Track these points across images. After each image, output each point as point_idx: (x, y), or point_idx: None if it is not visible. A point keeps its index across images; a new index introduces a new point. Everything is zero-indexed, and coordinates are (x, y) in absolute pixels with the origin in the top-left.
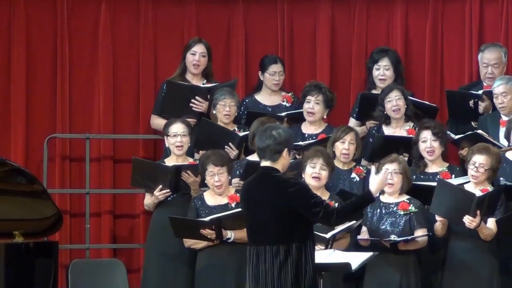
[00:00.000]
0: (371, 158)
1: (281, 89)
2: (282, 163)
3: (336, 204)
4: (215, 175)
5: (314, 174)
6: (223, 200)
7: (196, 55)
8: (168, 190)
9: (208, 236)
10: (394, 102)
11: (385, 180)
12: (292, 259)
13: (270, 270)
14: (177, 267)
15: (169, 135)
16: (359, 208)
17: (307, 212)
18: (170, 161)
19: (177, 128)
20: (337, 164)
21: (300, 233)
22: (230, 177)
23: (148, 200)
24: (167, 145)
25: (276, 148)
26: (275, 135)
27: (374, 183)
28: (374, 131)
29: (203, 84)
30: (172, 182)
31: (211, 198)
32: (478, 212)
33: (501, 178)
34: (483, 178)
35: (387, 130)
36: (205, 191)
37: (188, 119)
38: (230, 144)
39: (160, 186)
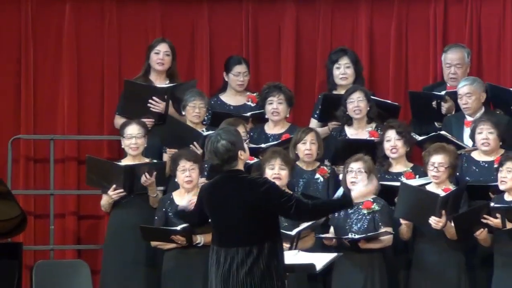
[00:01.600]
0: (334, 161)
1: (246, 89)
2: (242, 163)
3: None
4: (187, 170)
5: (274, 175)
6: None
7: (160, 53)
8: (122, 190)
9: (179, 242)
10: (356, 103)
11: (370, 191)
12: (263, 259)
13: (240, 271)
14: (136, 268)
15: (124, 137)
16: (336, 209)
17: (280, 209)
18: (126, 162)
19: (132, 129)
20: (301, 165)
21: (270, 233)
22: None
23: (104, 201)
24: (123, 146)
25: (228, 157)
26: (220, 148)
27: (357, 190)
28: (335, 133)
29: (166, 84)
30: (126, 182)
31: (179, 198)
32: (443, 212)
33: (467, 178)
34: (444, 177)
35: (349, 131)
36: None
37: (146, 119)
38: (194, 143)
39: (114, 186)
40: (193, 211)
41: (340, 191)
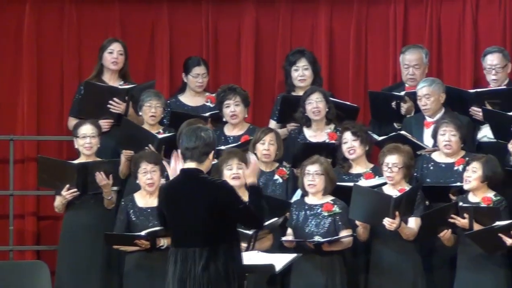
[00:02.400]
0: (294, 164)
1: (205, 90)
2: (207, 165)
3: None
4: (148, 172)
5: (233, 175)
6: (154, 202)
7: (114, 53)
8: (76, 190)
9: (143, 246)
10: (315, 104)
11: (256, 169)
12: (221, 260)
13: (197, 272)
14: (91, 270)
15: (78, 137)
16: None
17: (234, 213)
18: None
19: (86, 129)
20: (260, 165)
21: (228, 234)
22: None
23: (57, 202)
24: (76, 146)
25: (204, 149)
26: (204, 137)
27: (248, 174)
28: (294, 134)
29: (120, 85)
30: (80, 181)
31: (141, 200)
32: (397, 213)
33: (427, 180)
34: (398, 177)
35: (308, 133)
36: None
37: (105, 120)
38: (150, 145)
39: (67, 186)
40: (158, 212)
41: (298, 193)
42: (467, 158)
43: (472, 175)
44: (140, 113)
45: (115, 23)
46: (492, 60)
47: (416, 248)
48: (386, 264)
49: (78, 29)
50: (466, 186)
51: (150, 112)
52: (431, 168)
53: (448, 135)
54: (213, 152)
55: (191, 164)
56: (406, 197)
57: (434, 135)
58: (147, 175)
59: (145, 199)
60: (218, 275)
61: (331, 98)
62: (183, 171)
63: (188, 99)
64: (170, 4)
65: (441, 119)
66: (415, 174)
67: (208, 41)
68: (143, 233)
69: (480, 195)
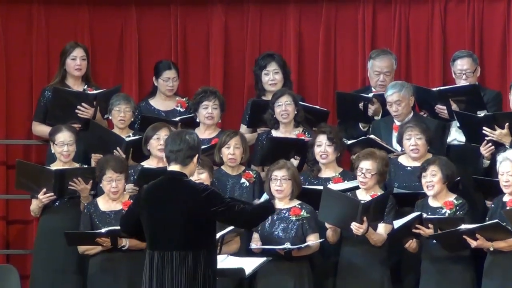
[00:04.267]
0: (262, 162)
1: (175, 94)
2: (191, 168)
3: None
4: (113, 181)
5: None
6: (117, 206)
7: (77, 59)
8: (52, 194)
9: (104, 244)
10: (284, 107)
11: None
12: (200, 265)
13: (177, 276)
14: (66, 274)
15: (56, 144)
16: (267, 215)
17: (219, 215)
18: (56, 167)
19: (64, 137)
20: (226, 169)
21: (207, 239)
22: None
23: (33, 205)
24: (53, 151)
25: (188, 152)
26: (189, 140)
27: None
28: (263, 137)
29: (84, 89)
30: (57, 186)
31: (104, 204)
32: (365, 218)
33: (395, 183)
34: (371, 183)
35: (276, 135)
36: (93, 195)
37: (73, 125)
38: (118, 148)
39: (44, 190)
40: (127, 215)
41: (264, 196)
42: (421, 165)
43: (433, 178)
44: (110, 117)
45: (84, 27)
46: (462, 65)
47: (383, 254)
48: (354, 268)
49: (47, 33)
50: (430, 193)
51: (119, 116)
52: (399, 172)
53: (414, 139)
54: (197, 156)
55: (175, 167)
56: (375, 203)
57: (400, 140)
58: (112, 183)
59: (108, 204)
60: (195, 279)
61: (301, 103)
62: (167, 173)
63: (159, 103)
64: (139, 8)
65: (405, 124)
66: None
67: (177, 45)
68: (103, 230)
69: (442, 199)
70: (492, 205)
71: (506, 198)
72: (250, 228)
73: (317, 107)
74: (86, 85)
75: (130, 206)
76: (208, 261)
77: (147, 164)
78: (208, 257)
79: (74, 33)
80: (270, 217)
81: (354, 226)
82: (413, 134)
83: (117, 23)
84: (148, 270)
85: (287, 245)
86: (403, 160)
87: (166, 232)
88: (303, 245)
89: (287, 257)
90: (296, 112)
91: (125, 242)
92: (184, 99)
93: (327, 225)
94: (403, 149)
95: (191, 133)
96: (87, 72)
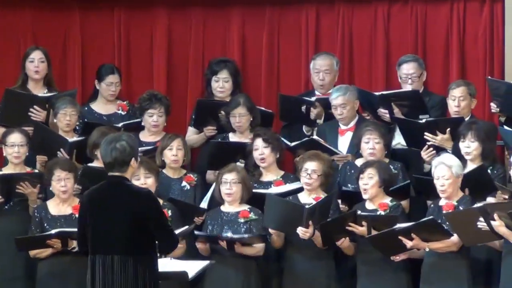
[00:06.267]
0: (209, 166)
1: (116, 98)
2: (131, 172)
3: (170, 212)
4: (62, 180)
5: (140, 185)
6: (67, 210)
7: (35, 61)
8: (0, 197)
9: (54, 246)
10: (237, 119)
11: None
12: (141, 269)
13: (119, 280)
14: (15, 278)
15: (7, 145)
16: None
17: (155, 225)
18: (8, 170)
19: (15, 138)
20: (167, 172)
21: (147, 245)
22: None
23: None
24: (4, 154)
25: (123, 159)
26: (119, 148)
27: None
28: (221, 139)
29: (44, 93)
30: (4, 190)
31: (54, 208)
32: (310, 222)
33: (349, 185)
34: (316, 184)
35: (233, 138)
36: (43, 198)
37: (26, 128)
38: (61, 150)
39: None
40: (80, 233)
41: (206, 198)
42: (359, 167)
43: (369, 181)
44: (55, 120)
45: (27, 31)
46: (408, 69)
47: (329, 256)
48: (299, 271)
49: None
50: (365, 196)
51: (65, 119)
52: (354, 174)
53: (372, 143)
54: (133, 158)
55: (115, 173)
56: (320, 207)
57: (358, 143)
58: (61, 182)
59: (58, 207)
60: (137, 283)
61: None
62: (108, 177)
63: (100, 106)
64: (82, 12)
65: (365, 126)
66: (338, 179)
67: (120, 48)
68: (53, 231)
69: (377, 202)
70: (431, 206)
71: (442, 202)
72: (166, 252)
73: (262, 108)
74: (46, 89)
75: (79, 220)
76: (150, 265)
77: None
78: (150, 261)
79: (17, 36)
80: (219, 220)
81: (301, 231)
82: (372, 138)
83: (61, 27)
84: (90, 274)
85: (230, 235)
86: (359, 163)
87: (107, 236)
88: (245, 236)
89: (230, 248)
90: (251, 119)
91: (76, 244)
92: (125, 102)
93: (271, 230)
94: (349, 152)
95: (121, 139)
96: (48, 76)
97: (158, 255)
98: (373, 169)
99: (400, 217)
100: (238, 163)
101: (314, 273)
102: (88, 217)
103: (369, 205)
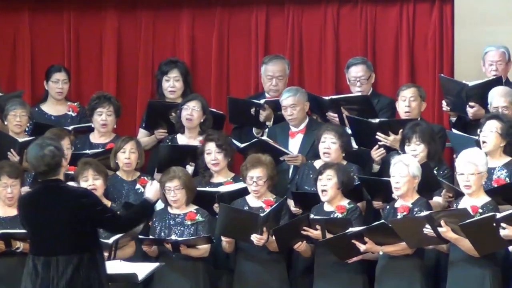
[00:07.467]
0: (159, 169)
1: (66, 99)
2: (63, 171)
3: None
4: (8, 186)
5: (89, 186)
6: (13, 212)
7: None
8: None
9: None
10: (190, 111)
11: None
12: (83, 270)
13: (60, 281)
14: None
15: None
16: (143, 215)
17: (96, 220)
18: None
19: None
20: (121, 175)
21: (89, 243)
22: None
23: None
24: None
25: (53, 164)
26: (49, 154)
27: (150, 191)
28: (165, 141)
29: None
30: None
31: (0, 209)
32: (265, 229)
33: (305, 187)
34: (263, 190)
35: (180, 139)
36: None
37: None
38: (12, 150)
39: None
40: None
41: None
42: (318, 169)
43: (328, 183)
44: (5, 122)
45: None
46: (356, 72)
47: (281, 259)
48: (250, 275)
49: None
50: (324, 198)
51: (15, 121)
52: (311, 175)
53: (328, 143)
54: (63, 159)
55: (50, 177)
56: (273, 213)
57: (317, 143)
58: (7, 189)
59: (4, 209)
60: (81, 283)
61: None
62: (42, 181)
63: (50, 107)
64: (31, 13)
65: (323, 126)
66: (295, 181)
67: (69, 49)
68: None
69: (335, 204)
70: (387, 207)
71: (397, 204)
72: (125, 231)
73: (214, 110)
74: None
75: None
76: (93, 265)
77: None
78: (94, 260)
79: None
80: (166, 222)
81: (255, 238)
82: (328, 138)
83: (10, 28)
84: (31, 275)
85: (174, 237)
86: (318, 164)
87: (48, 237)
88: (190, 238)
89: (175, 250)
90: (202, 120)
91: (20, 245)
92: (75, 103)
93: (223, 238)
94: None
95: (46, 144)
96: None
97: (107, 255)
98: (332, 171)
99: (357, 219)
100: (188, 166)
101: (266, 277)
102: (23, 222)
103: (327, 207)
